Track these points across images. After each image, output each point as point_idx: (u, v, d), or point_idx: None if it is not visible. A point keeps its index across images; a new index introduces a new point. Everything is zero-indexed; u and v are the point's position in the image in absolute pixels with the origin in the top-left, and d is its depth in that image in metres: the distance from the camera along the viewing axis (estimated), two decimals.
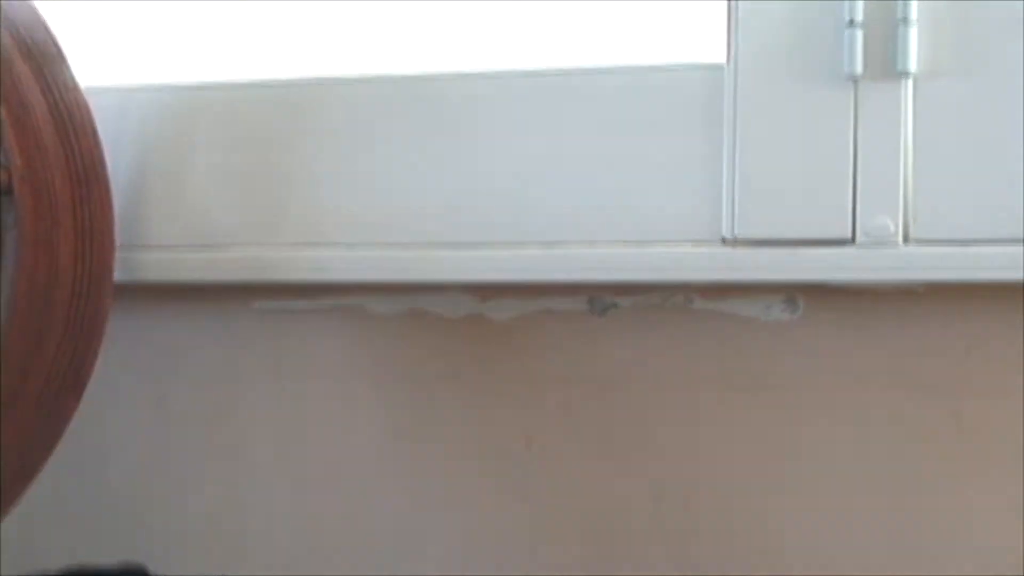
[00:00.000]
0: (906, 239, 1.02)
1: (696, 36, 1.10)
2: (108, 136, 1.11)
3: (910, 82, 1.02)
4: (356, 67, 1.19)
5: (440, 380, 1.13)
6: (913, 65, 1.02)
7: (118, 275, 1.10)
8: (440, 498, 1.12)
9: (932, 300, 1.04)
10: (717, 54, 1.07)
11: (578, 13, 1.13)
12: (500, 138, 1.11)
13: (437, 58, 1.17)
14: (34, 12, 1.10)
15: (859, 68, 1.02)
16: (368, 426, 1.14)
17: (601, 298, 1.10)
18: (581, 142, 1.10)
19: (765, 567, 1.06)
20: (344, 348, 1.15)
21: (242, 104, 1.17)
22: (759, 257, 1.04)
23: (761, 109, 1.05)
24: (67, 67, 1.10)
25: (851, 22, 1.02)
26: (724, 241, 1.05)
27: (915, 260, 1.01)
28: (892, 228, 1.02)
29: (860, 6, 1.02)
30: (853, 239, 1.03)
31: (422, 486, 1.13)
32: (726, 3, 1.05)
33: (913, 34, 1.01)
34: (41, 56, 1.09)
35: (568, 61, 1.12)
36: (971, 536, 1.03)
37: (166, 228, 1.18)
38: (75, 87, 1.10)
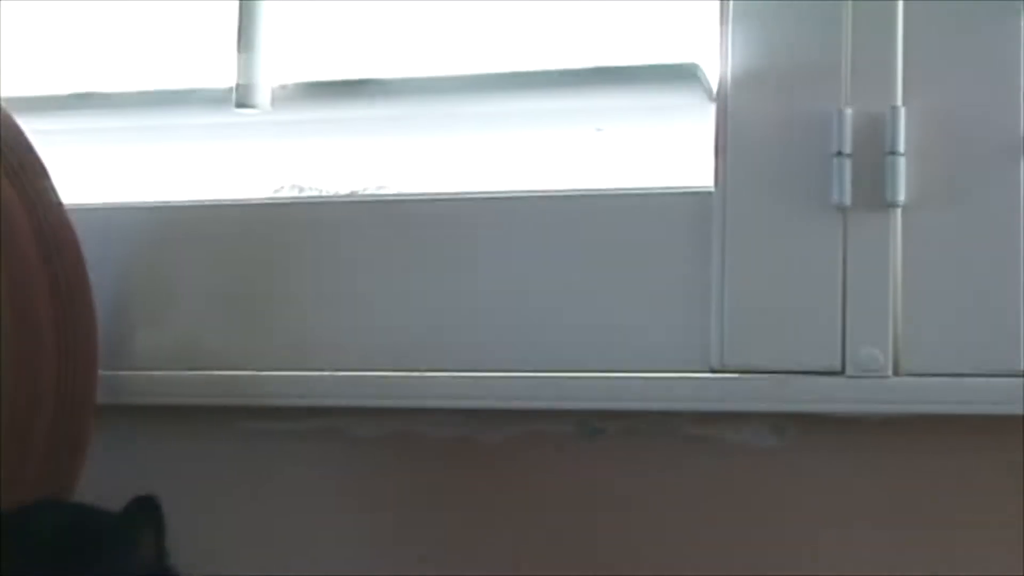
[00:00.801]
0: (896, 370, 1.01)
1: (684, 161, 1.09)
2: (91, 255, 1.10)
3: (899, 212, 1.02)
4: (343, 188, 1.19)
5: (427, 504, 1.12)
6: (902, 195, 1.01)
7: (101, 396, 1.09)
8: None
9: (923, 430, 1.03)
10: (705, 179, 1.06)
11: (568, 136, 1.12)
12: (487, 262, 1.11)
13: (425, 180, 1.17)
14: (17, 131, 1.09)
15: (848, 198, 1.02)
16: (354, 551, 1.13)
17: (590, 423, 1.09)
18: (569, 266, 1.09)
19: None
20: (329, 471, 1.14)
21: (227, 225, 1.16)
22: (747, 386, 1.03)
23: (749, 236, 1.04)
24: (51, 186, 1.09)
25: (839, 152, 1.02)
26: (712, 369, 1.04)
27: (905, 392, 1.00)
28: (882, 359, 1.01)
29: (848, 136, 1.02)
30: (843, 370, 1.02)
31: None
32: (714, 128, 1.05)
33: (902, 164, 1.01)
34: (25, 175, 1.08)
35: (555, 184, 1.12)
36: None
37: (150, 349, 1.16)
38: (59, 206, 1.09)
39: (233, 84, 1.13)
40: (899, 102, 1.02)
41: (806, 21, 1.04)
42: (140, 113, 1.19)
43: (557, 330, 1.09)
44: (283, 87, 1.14)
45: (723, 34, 1.06)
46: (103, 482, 1.14)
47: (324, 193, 1.19)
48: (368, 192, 1.19)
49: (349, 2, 1.17)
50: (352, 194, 1.18)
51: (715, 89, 1.06)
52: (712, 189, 1.06)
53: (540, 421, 1.09)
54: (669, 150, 1.10)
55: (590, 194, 1.10)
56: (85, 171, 1.22)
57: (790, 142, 1.04)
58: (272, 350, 1.14)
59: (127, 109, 1.20)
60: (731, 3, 1.05)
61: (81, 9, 1.23)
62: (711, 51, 1.06)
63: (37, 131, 1.10)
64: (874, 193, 1.01)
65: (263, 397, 1.12)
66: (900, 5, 1.02)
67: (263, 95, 1.13)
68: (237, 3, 1.13)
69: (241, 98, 1.12)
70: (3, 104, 1.09)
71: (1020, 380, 0.98)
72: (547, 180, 1.13)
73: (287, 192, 1.19)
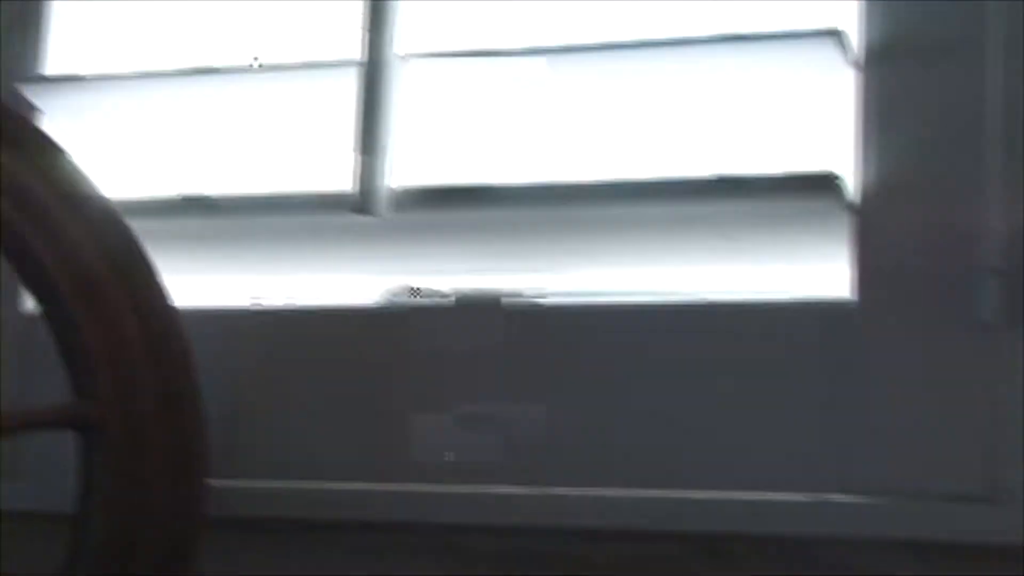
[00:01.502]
0: None
1: (821, 273, 1.05)
2: (202, 360, 1.07)
3: None
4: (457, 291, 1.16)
5: None
6: None
7: (210, 507, 1.05)
8: None
9: None
10: (843, 291, 1.02)
11: (697, 245, 1.08)
12: (604, 374, 1.07)
13: (545, 287, 1.13)
14: (128, 233, 1.07)
15: (996, 315, 0.97)
16: None
17: (716, 546, 1.04)
18: (695, 381, 1.04)
19: None
20: None
21: (341, 330, 1.13)
22: (886, 511, 0.98)
23: (890, 352, 1.00)
24: (161, 289, 1.07)
25: (987, 268, 0.97)
26: (849, 491, 0.99)
27: None
28: None
29: (997, 251, 0.97)
30: (988, 496, 0.96)
31: None
32: (853, 238, 1.01)
33: None
34: (136, 278, 1.06)
35: (682, 294, 1.08)
36: None
37: (261, 458, 1.13)
38: (169, 310, 1.07)
39: (351, 188, 1.11)
40: None
41: (950, 132, 1.00)
42: (251, 216, 1.16)
43: (681, 447, 1.04)
44: (403, 191, 1.11)
45: (862, 143, 1.02)
46: None
47: (439, 296, 1.16)
48: (479, 295, 1.15)
49: (469, 108, 1.13)
50: (464, 297, 1.14)
51: (854, 198, 1.02)
52: (850, 301, 1.02)
53: (663, 542, 1.05)
54: (805, 260, 1.05)
55: (718, 305, 1.06)
56: (196, 274, 1.20)
57: (934, 255, 0.99)
58: (385, 461, 1.10)
59: (237, 213, 1.17)
60: (871, 112, 1.02)
61: (192, 111, 1.21)
62: (849, 160, 1.02)
63: (149, 232, 1.07)
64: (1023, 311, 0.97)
65: (377, 512, 1.08)
66: None
67: (382, 201, 1.10)
68: (356, 108, 1.11)
69: (359, 204, 1.09)
70: (116, 206, 1.07)
71: None
72: (673, 290, 1.09)
73: (402, 296, 1.15)
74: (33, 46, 1.25)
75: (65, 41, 1.28)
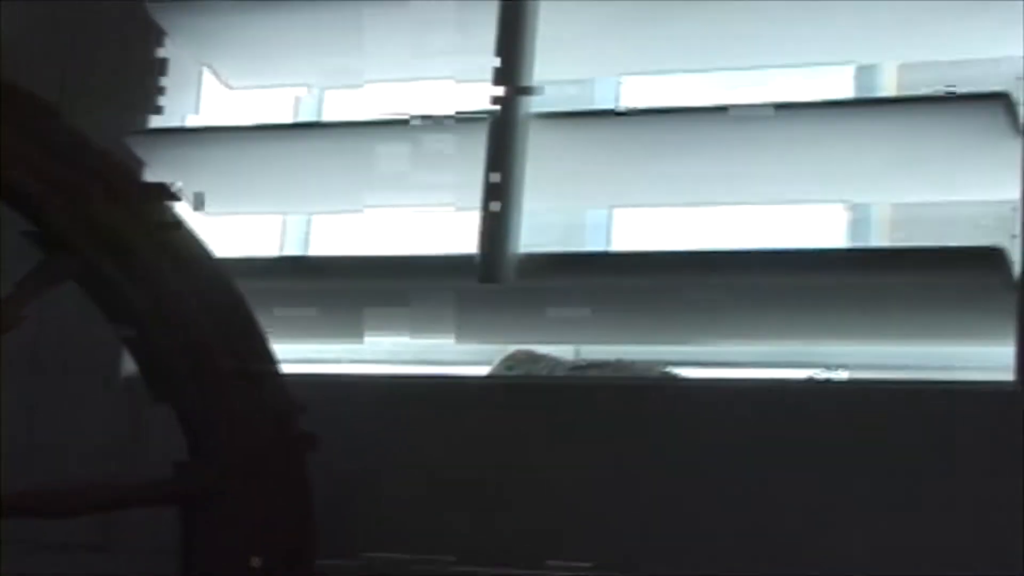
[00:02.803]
0: None
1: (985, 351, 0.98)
2: (322, 427, 1.01)
3: None
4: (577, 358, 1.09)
5: None
6: None
7: None
8: None
9: None
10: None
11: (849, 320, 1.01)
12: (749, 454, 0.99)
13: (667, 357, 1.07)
14: (236, 294, 1.02)
15: None
16: None
17: None
18: (839, 469, 0.97)
19: None
20: None
21: (463, 399, 1.07)
22: None
23: None
24: (270, 355, 1.01)
25: None
26: None
27: None
28: None
29: None
30: None
31: None
32: (1016, 316, 0.94)
33: None
34: (242, 343, 1.01)
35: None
36: None
37: (367, 538, 1.07)
38: (277, 376, 1.01)
39: (476, 254, 1.05)
40: None
41: None
42: (365, 279, 1.11)
43: (820, 539, 0.97)
44: (529, 257, 1.05)
45: None
46: None
47: (560, 360, 1.10)
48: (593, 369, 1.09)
49: (598, 170, 1.08)
50: (578, 369, 1.08)
51: (1019, 274, 0.95)
52: (1013, 384, 0.94)
53: None
54: (966, 339, 0.98)
55: (868, 385, 1.00)
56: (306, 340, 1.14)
57: None
58: (510, 540, 1.04)
59: (349, 275, 1.12)
60: None
61: (305, 166, 1.16)
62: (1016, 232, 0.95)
63: (257, 294, 1.02)
64: None
65: None
66: None
67: (509, 267, 1.04)
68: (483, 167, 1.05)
69: (484, 270, 1.03)
70: (224, 265, 1.01)
71: None
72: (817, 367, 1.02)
73: (522, 361, 1.09)
74: (146, 97, 1.21)
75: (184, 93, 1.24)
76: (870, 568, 0.95)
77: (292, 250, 1.25)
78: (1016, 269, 0.95)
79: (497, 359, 1.12)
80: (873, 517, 0.96)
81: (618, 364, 1.08)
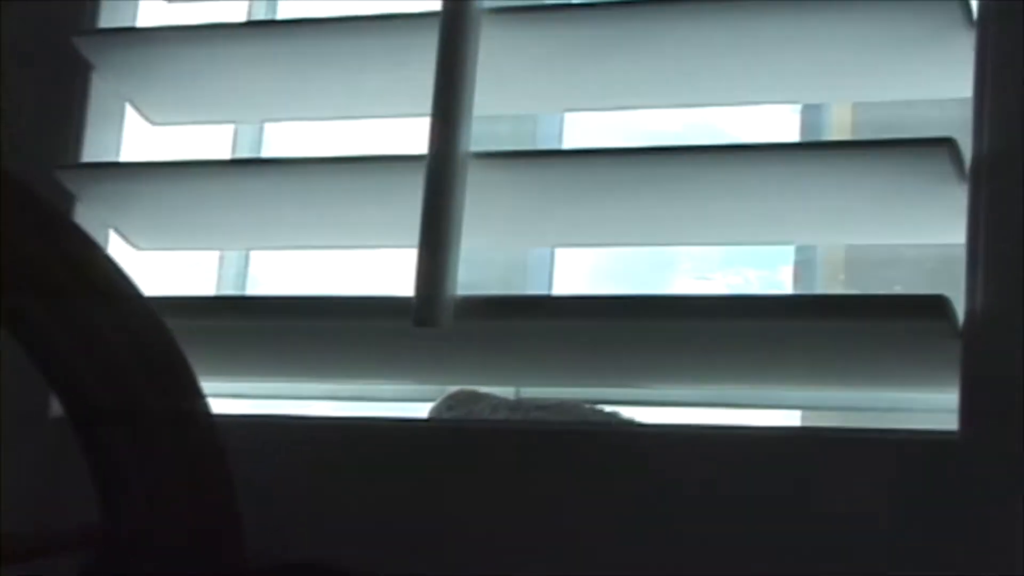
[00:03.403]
0: None
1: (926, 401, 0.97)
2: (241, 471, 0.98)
3: None
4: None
5: None
6: None
7: None
8: None
9: None
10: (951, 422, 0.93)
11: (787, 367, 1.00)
12: (677, 500, 0.97)
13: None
14: (166, 335, 0.98)
15: None
16: None
17: None
18: (779, 517, 0.95)
19: None
20: None
21: (388, 443, 1.05)
22: None
23: (999, 492, 0.90)
24: (202, 398, 0.98)
25: None
26: None
27: None
28: None
29: None
30: None
31: None
32: (960, 366, 0.92)
33: None
34: (173, 386, 0.97)
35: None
36: None
37: None
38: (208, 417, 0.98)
39: (412, 296, 1.02)
40: None
41: None
42: (298, 320, 1.08)
43: None
44: (465, 300, 1.03)
45: (972, 273, 0.94)
46: None
47: (502, 399, 1.07)
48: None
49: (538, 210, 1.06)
50: (520, 411, 1.06)
51: (962, 324, 0.93)
52: (954, 434, 0.93)
53: None
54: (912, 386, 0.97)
55: (804, 432, 0.98)
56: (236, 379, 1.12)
57: None
58: None
59: (282, 315, 1.09)
60: (980, 243, 0.94)
61: (239, 204, 1.14)
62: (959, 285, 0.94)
63: (187, 333, 0.99)
64: None
65: None
66: None
67: (445, 310, 1.01)
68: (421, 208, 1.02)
69: (420, 313, 1.00)
70: (153, 304, 0.98)
71: None
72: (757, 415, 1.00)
73: (463, 401, 1.07)
74: (73, 132, 1.17)
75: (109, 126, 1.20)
76: None
77: (229, 288, 1.23)
78: (959, 318, 0.93)
79: (438, 398, 1.10)
80: (804, 567, 0.94)
81: (562, 405, 1.06)
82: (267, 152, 1.26)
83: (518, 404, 1.09)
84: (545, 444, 1.02)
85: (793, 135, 1.16)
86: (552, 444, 1.01)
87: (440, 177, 1.02)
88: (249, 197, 1.13)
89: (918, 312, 0.92)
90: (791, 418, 1.09)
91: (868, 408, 1.06)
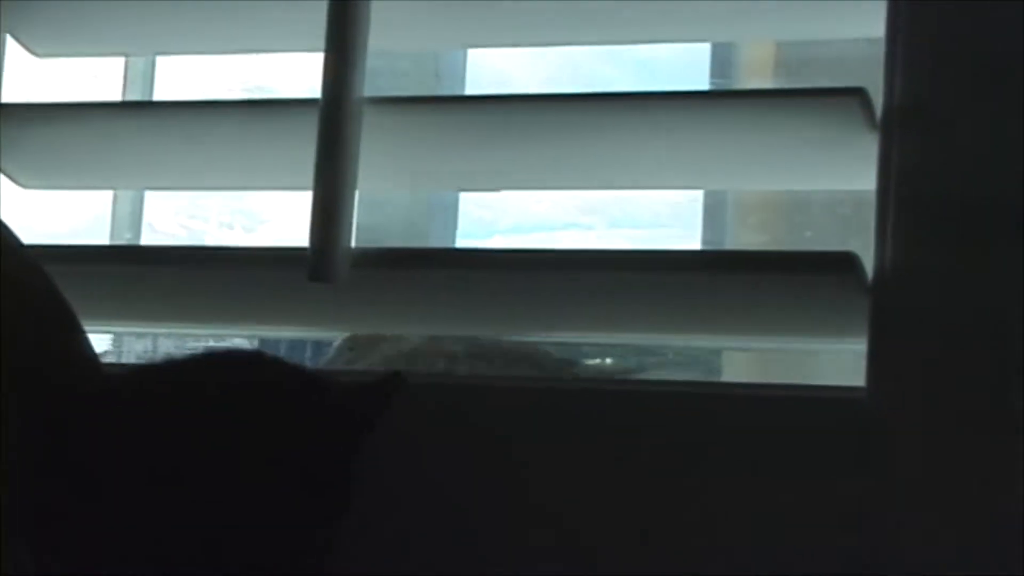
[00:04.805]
0: None
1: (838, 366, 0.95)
2: None
3: None
4: None
5: None
6: None
7: None
8: None
9: None
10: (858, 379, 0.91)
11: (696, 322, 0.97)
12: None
13: None
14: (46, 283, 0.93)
15: None
16: None
17: None
18: (691, 475, 0.93)
19: None
20: None
21: None
22: None
23: (908, 451, 0.88)
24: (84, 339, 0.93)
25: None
26: None
27: None
28: None
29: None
30: None
31: None
32: (868, 324, 0.90)
33: None
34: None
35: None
36: None
37: None
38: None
39: (307, 247, 0.98)
40: None
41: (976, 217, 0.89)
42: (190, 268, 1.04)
43: (674, 547, 0.93)
44: (363, 254, 0.99)
45: (881, 227, 0.91)
46: None
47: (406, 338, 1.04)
48: None
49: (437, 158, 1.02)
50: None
51: (871, 280, 0.91)
52: (862, 390, 0.90)
53: None
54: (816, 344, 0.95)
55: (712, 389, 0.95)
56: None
57: (958, 343, 0.88)
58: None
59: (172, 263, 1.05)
60: (890, 200, 0.91)
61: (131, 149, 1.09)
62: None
63: (74, 282, 0.94)
64: None
65: None
66: None
67: (341, 263, 0.97)
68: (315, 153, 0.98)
69: (314, 267, 0.96)
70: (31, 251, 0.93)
71: None
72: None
73: (361, 347, 1.04)
74: None
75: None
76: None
77: (123, 228, 1.19)
78: (868, 274, 0.91)
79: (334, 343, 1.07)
80: (723, 521, 0.92)
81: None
82: (159, 86, 1.21)
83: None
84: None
85: (703, 70, 1.13)
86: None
87: (334, 124, 0.97)
88: (141, 137, 1.09)
89: (828, 268, 0.90)
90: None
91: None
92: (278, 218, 1.20)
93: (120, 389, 0.85)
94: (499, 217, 1.21)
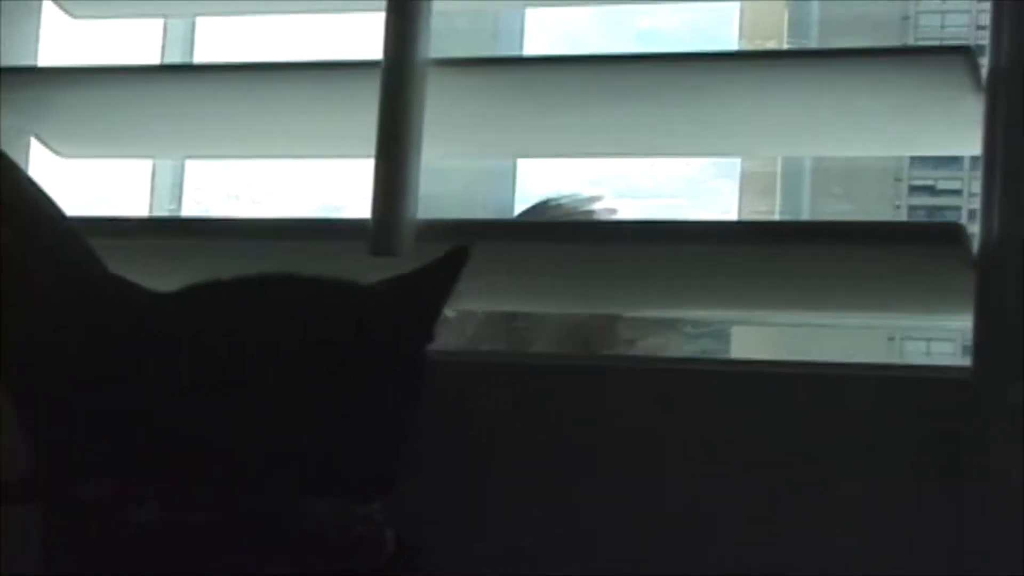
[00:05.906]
0: None
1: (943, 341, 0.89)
2: None
3: None
4: None
5: None
6: None
7: None
8: None
9: None
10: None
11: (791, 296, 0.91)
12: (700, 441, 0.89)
13: None
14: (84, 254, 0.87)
15: None
16: None
17: None
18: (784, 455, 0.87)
19: None
20: None
21: None
22: None
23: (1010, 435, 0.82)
24: None
25: None
26: None
27: None
28: None
29: None
30: None
31: None
32: (974, 295, 0.84)
33: None
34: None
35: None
36: None
37: None
38: None
39: (369, 219, 0.92)
40: None
41: None
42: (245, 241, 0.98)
43: (768, 530, 0.87)
44: (429, 226, 0.93)
45: (989, 195, 0.85)
46: None
47: None
48: None
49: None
50: None
51: (976, 253, 0.85)
52: (967, 370, 0.84)
53: None
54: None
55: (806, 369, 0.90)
56: None
57: None
58: None
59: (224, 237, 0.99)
60: (998, 166, 0.85)
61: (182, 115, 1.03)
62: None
63: (121, 254, 0.88)
64: None
65: None
66: None
67: (406, 236, 0.91)
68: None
69: (378, 244, 0.91)
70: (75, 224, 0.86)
71: None
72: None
73: None
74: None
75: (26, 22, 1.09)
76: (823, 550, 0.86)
77: (164, 199, 1.13)
78: (974, 246, 0.85)
79: None
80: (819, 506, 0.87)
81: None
82: (197, 49, 1.15)
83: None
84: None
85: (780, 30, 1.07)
86: None
87: (397, 88, 0.91)
88: (184, 104, 1.03)
89: (932, 240, 0.84)
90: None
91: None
92: (285, 189, 1.13)
93: (185, 301, 0.81)
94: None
